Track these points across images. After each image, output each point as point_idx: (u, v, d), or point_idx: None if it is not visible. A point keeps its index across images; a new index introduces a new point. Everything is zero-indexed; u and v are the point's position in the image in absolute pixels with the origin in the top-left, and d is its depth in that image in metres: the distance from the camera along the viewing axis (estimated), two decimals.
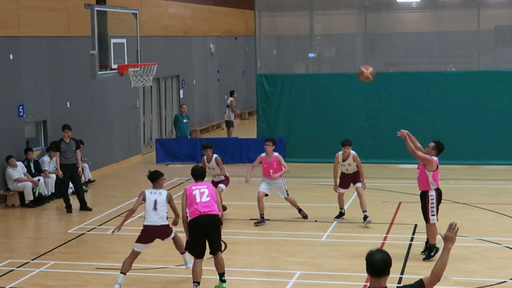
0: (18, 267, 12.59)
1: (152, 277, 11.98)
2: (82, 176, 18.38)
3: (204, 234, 10.77)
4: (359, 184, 15.07)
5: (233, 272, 12.24)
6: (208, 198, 10.74)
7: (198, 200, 10.71)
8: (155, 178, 11.60)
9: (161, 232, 11.46)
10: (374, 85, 22.15)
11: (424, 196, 12.47)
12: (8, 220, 16.43)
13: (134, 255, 11.46)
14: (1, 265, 12.75)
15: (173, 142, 23.78)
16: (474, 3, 21.97)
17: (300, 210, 15.48)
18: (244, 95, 34.84)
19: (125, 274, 11.31)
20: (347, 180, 15.24)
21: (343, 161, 15.05)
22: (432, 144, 12.79)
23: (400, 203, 16.82)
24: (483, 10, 22.05)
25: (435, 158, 12.58)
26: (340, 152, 15.09)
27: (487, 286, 11.18)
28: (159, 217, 11.35)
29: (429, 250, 12.56)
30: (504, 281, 11.33)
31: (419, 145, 12.72)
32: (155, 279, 11.89)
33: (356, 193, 15.21)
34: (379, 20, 23.82)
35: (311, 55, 24.69)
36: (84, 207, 17.12)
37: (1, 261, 12.93)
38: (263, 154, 15.21)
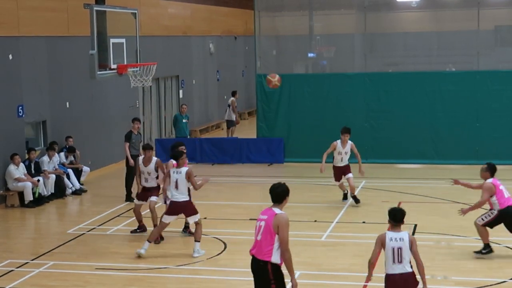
0: (17, 268, 12.58)
1: (152, 277, 11.97)
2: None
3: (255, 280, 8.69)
4: (350, 175, 16.37)
5: (232, 272, 12.25)
6: (260, 238, 8.47)
7: (255, 236, 8.63)
8: (177, 157, 13.08)
9: (183, 207, 12.88)
10: (374, 85, 22.19)
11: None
12: (7, 220, 16.42)
13: (162, 225, 13.08)
14: (0, 265, 12.74)
15: (172, 142, 23.71)
16: (473, 3, 21.97)
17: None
18: (244, 95, 34.83)
19: (150, 242, 12.97)
20: (339, 172, 16.52)
21: (343, 148, 16.26)
22: (485, 166, 12.90)
23: (400, 203, 16.81)
24: (482, 10, 22.04)
25: (490, 181, 12.57)
26: (339, 140, 16.32)
27: (487, 286, 11.18)
28: (180, 194, 12.82)
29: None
30: (504, 281, 11.33)
31: (474, 184, 13.38)
32: (155, 279, 11.89)
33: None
34: (379, 20, 23.81)
35: (310, 55, 24.68)
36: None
37: (0, 262, 12.92)
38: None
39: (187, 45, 28.70)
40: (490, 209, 12.85)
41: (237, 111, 28.41)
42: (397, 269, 8.87)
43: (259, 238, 8.37)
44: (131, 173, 17.74)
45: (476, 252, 12.68)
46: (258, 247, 8.37)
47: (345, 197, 16.96)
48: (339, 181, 16.74)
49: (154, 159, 14.65)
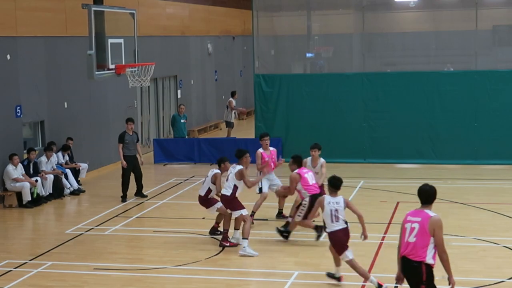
0: (15, 268, 12.57)
1: (150, 277, 11.97)
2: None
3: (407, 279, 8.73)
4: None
5: (231, 272, 12.24)
6: (415, 239, 8.48)
7: (406, 238, 8.60)
8: (240, 155, 13.50)
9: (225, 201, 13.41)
10: (372, 85, 22.20)
11: None
12: (5, 221, 16.40)
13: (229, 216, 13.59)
14: None
15: (170, 142, 23.76)
16: (471, 3, 21.98)
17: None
18: (242, 95, 34.80)
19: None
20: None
21: (313, 167, 14.47)
22: (291, 160, 13.84)
23: (398, 203, 16.81)
24: (480, 10, 22.06)
25: (296, 171, 13.50)
26: (309, 158, 14.63)
27: (485, 286, 11.19)
28: (224, 188, 13.38)
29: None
30: (502, 281, 11.33)
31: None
32: (154, 279, 11.88)
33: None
34: (377, 20, 23.82)
35: (308, 55, 24.69)
36: (140, 193, 18.03)
37: None
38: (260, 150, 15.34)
39: (185, 45, 28.69)
40: (302, 201, 13.31)
41: (242, 109, 28.54)
42: (336, 226, 11.04)
43: (413, 239, 8.44)
44: (127, 174, 17.79)
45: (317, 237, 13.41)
46: (411, 248, 8.45)
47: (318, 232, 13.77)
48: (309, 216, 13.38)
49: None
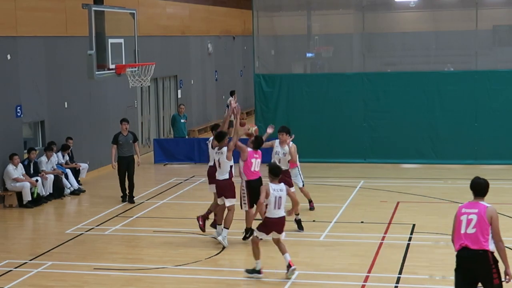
0: (16, 268, 12.57)
1: (151, 277, 11.97)
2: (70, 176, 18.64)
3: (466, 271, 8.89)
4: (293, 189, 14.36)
5: (231, 272, 12.25)
6: (474, 230, 8.74)
7: (463, 230, 8.84)
8: (220, 138, 13.35)
9: (221, 187, 13.40)
10: (372, 85, 22.20)
11: None
12: (6, 221, 16.41)
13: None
14: None
15: (171, 142, 23.75)
16: (472, 3, 21.97)
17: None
18: (242, 95, 34.78)
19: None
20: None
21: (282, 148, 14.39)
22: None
23: (398, 202, 16.82)
24: (481, 10, 22.05)
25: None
26: (277, 140, 14.64)
27: None
28: (220, 174, 13.35)
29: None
30: (502, 281, 11.30)
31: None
32: (154, 279, 11.88)
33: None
34: (377, 20, 23.80)
35: (309, 55, 24.68)
36: (130, 199, 17.65)
37: None
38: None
39: (185, 45, 28.69)
40: (241, 188, 13.47)
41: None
42: (277, 213, 11.51)
43: (473, 230, 8.72)
44: (121, 175, 17.67)
45: (243, 238, 13.61)
46: (472, 239, 8.70)
47: (298, 224, 14.51)
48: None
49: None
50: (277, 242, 11.75)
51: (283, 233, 11.73)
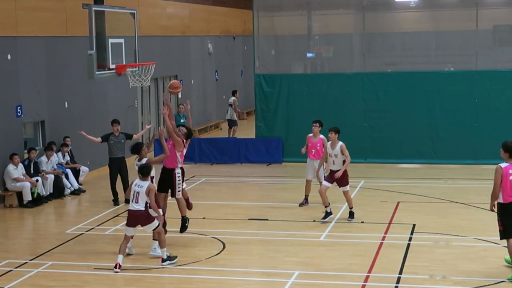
0: (16, 268, 12.57)
1: (151, 277, 11.97)
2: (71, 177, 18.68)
3: None
4: (346, 188, 15.14)
5: (231, 272, 12.24)
6: None
7: None
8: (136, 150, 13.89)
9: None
10: (372, 85, 22.20)
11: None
12: (6, 221, 16.41)
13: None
14: None
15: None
16: (472, 3, 21.97)
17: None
18: (243, 95, 34.77)
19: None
20: (334, 177, 15.11)
21: (332, 150, 15.06)
22: None
23: (398, 202, 16.82)
24: (481, 10, 22.05)
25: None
26: (329, 142, 15.31)
27: (485, 285, 11.18)
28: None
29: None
30: (502, 281, 11.33)
31: None
32: (154, 279, 11.88)
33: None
34: (377, 20, 23.80)
35: (309, 55, 24.68)
36: (128, 201, 17.32)
37: None
38: (310, 134, 16.14)
39: (185, 45, 28.70)
40: (176, 175, 13.56)
41: (238, 110, 28.39)
42: (136, 206, 12.26)
43: None
44: (113, 177, 17.53)
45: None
46: None
47: (326, 215, 15.26)
48: (331, 183, 15.08)
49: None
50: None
51: (147, 226, 12.36)
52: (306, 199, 16.64)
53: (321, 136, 16.11)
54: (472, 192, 18.04)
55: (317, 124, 16.22)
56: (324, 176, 15.52)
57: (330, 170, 15.21)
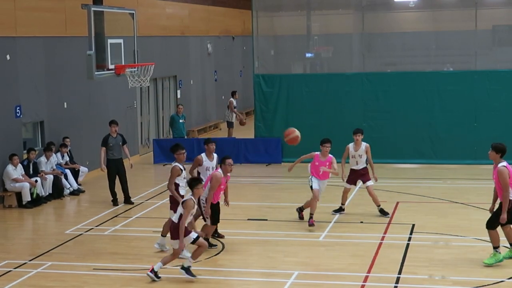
0: (15, 268, 12.57)
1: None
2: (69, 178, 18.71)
3: None
4: (370, 183, 15.58)
5: (231, 272, 12.24)
6: None
7: None
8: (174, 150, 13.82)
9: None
10: (372, 85, 22.20)
11: None
12: (5, 221, 16.40)
13: None
14: None
15: (170, 143, 23.69)
16: (471, 3, 21.97)
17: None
18: (242, 95, 34.75)
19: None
20: (356, 176, 15.75)
21: (355, 151, 15.55)
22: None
23: (397, 203, 16.82)
24: (480, 10, 22.06)
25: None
26: (352, 144, 15.67)
27: (485, 285, 11.18)
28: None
29: None
30: (502, 281, 11.33)
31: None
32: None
33: (361, 190, 15.80)
34: (377, 20, 23.81)
35: (308, 55, 24.68)
36: (127, 200, 17.49)
37: None
38: (317, 152, 15.06)
39: (185, 45, 28.69)
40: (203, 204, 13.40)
41: (239, 115, 28.21)
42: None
43: None
44: (111, 179, 17.49)
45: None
46: None
47: (339, 209, 15.94)
48: (353, 184, 15.94)
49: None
50: None
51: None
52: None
53: (330, 155, 15.09)
54: (472, 192, 18.03)
55: (329, 145, 15.08)
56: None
57: (351, 169, 15.72)
